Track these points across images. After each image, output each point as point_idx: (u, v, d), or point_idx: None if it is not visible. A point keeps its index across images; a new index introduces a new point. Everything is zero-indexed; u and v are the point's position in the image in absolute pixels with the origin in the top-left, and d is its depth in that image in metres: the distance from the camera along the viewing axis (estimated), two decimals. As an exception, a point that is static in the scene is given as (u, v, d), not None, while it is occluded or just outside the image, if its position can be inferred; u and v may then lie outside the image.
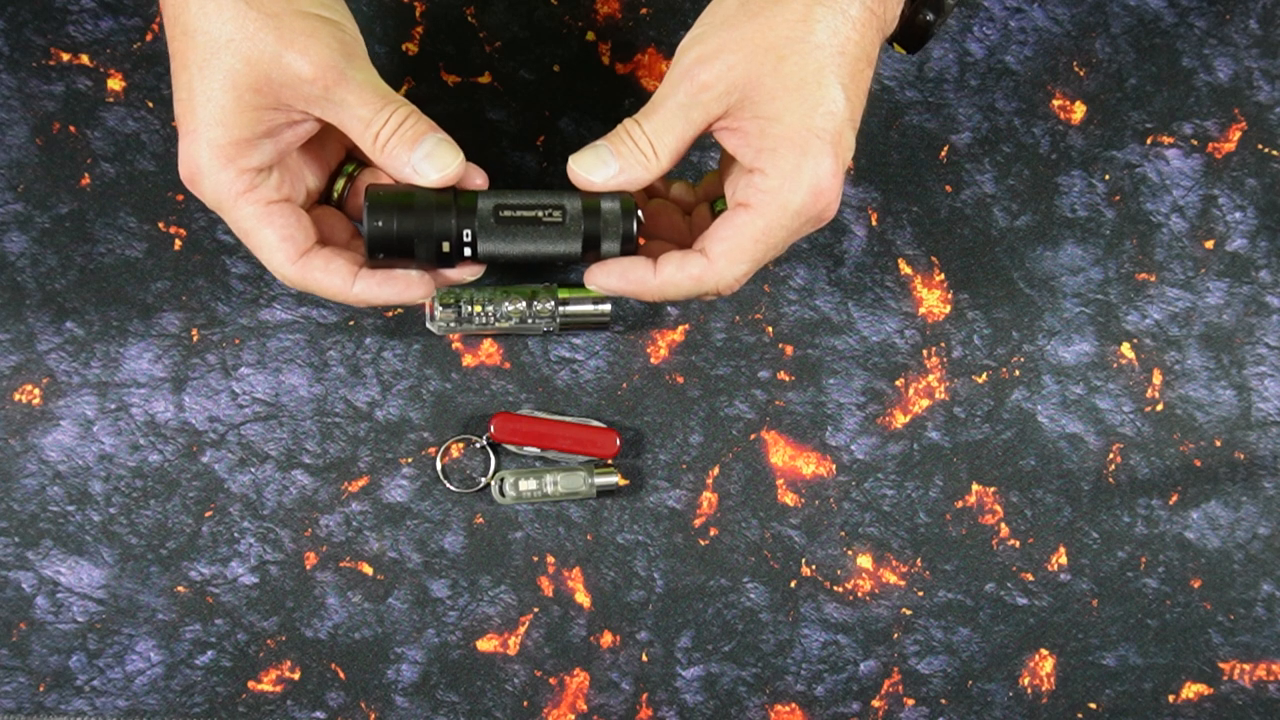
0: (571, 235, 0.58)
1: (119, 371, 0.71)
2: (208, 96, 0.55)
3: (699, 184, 0.64)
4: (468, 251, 0.58)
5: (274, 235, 0.56)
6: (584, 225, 0.58)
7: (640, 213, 0.59)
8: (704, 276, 0.58)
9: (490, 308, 0.69)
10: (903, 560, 0.72)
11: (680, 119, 0.57)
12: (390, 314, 0.72)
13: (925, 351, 0.73)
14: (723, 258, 0.57)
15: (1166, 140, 0.74)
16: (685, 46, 0.57)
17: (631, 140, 0.57)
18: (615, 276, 0.59)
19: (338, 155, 0.62)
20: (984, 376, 0.73)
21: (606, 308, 0.70)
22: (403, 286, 0.58)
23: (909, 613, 0.72)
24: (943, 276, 0.73)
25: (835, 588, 0.72)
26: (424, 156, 0.57)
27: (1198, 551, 0.73)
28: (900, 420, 0.73)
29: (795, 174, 0.56)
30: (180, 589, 0.70)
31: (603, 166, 0.58)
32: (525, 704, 0.71)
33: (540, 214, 0.58)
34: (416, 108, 0.57)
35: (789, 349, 0.72)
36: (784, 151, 0.56)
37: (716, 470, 0.72)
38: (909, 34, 0.61)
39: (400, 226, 0.57)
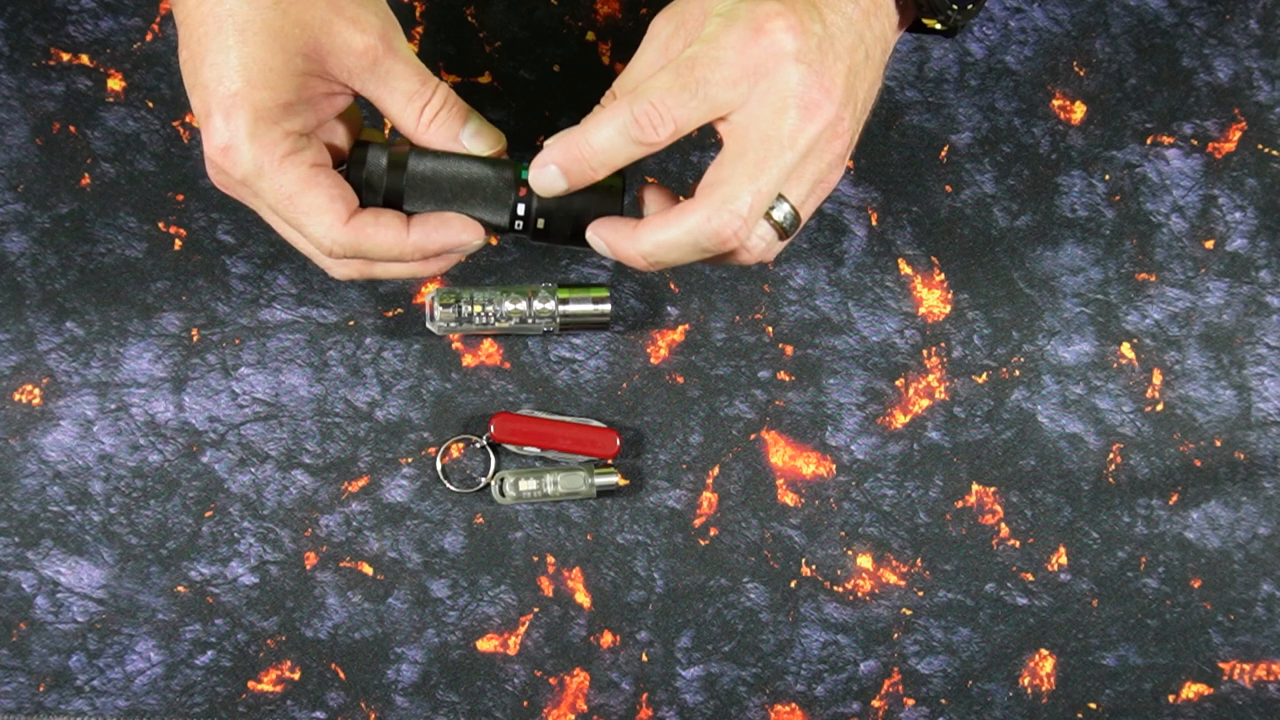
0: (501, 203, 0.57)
1: (119, 371, 0.71)
2: (252, 58, 0.53)
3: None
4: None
5: (323, 196, 0.55)
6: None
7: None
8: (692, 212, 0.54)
9: (490, 308, 0.69)
10: (903, 560, 0.72)
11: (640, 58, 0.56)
12: (390, 313, 0.72)
13: (925, 351, 0.73)
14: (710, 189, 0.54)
15: (1166, 140, 0.74)
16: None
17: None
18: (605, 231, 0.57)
19: (347, 142, 0.61)
20: (984, 376, 0.73)
21: (606, 308, 0.70)
22: (459, 228, 0.57)
23: (909, 613, 0.72)
24: (943, 276, 0.73)
25: (835, 588, 0.72)
26: (473, 134, 0.57)
27: (1198, 551, 0.73)
28: (900, 420, 0.72)
29: (730, 25, 0.53)
30: (180, 589, 0.70)
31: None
32: (525, 704, 0.71)
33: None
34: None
35: (789, 349, 0.72)
36: (721, 20, 0.53)
37: (716, 470, 0.72)
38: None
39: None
